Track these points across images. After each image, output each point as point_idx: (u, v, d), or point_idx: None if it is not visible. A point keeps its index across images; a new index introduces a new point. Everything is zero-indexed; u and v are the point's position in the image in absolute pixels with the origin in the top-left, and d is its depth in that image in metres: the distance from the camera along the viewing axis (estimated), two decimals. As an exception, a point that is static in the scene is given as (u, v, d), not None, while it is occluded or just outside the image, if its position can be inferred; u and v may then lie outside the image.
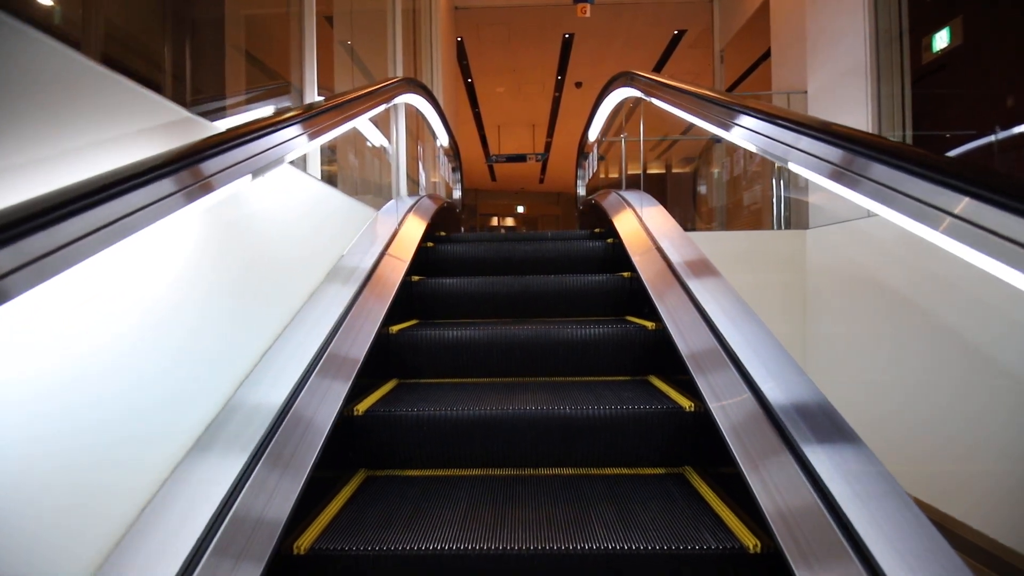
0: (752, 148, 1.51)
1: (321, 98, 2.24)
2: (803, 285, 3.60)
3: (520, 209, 18.14)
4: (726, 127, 1.64)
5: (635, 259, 2.08)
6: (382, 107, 2.15)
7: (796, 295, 3.58)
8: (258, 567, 0.93)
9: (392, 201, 2.69)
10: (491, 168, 14.25)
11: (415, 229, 2.54)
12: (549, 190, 17.50)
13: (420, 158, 4.61)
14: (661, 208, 2.57)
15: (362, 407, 1.44)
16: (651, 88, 2.26)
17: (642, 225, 2.31)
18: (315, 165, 2.12)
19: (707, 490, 1.31)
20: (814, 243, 3.54)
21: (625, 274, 2.10)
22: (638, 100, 3.12)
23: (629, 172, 5.14)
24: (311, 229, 1.73)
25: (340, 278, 1.77)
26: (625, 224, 2.47)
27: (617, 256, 2.40)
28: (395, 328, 1.81)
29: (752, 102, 1.41)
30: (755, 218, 4.72)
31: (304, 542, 1.08)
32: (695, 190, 6.41)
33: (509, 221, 18.39)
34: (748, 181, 4.89)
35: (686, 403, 1.42)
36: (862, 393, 2.77)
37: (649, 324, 1.76)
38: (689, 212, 6.49)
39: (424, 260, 2.47)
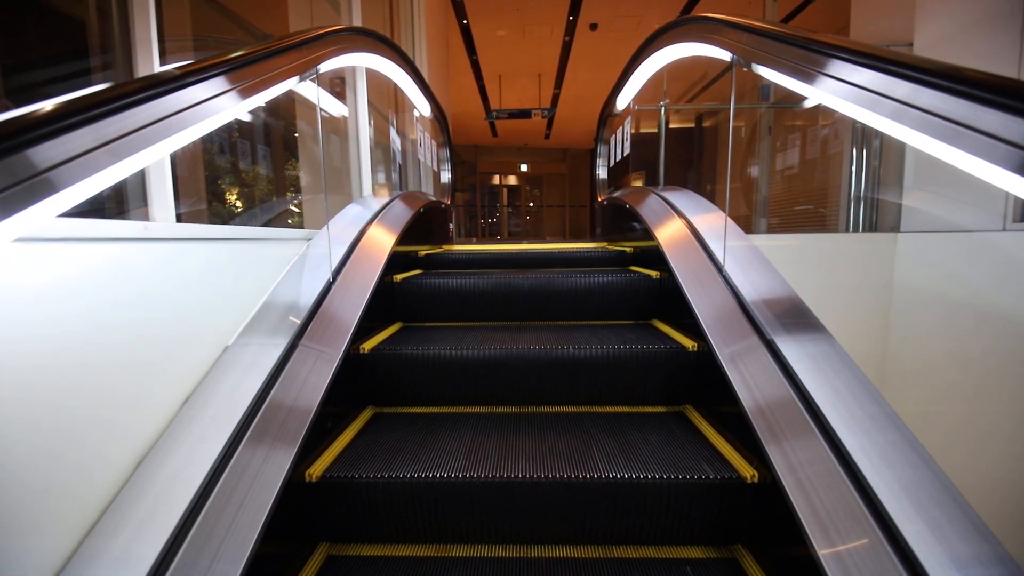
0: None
1: (172, 68, 1.26)
2: (887, 309, 2.73)
3: (523, 167, 16.83)
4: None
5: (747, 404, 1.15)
6: (288, 82, 1.17)
7: (878, 320, 2.73)
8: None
9: (324, 229, 1.66)
10: (492, 123, 12.94)
11: (362, 283, 1.59)
12: (555, 146, 16.15)
13: (393, 124, 3.58)
14: (746, 239, 1.63)
15: None
16: (761, 46, 1.25)
17: (734, 296, 1.37)
18: (163, 199, 1.15)
19: (707, 427, 1.30)
20: (908, 252, 2.64)
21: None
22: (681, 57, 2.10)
23: (643, 130, 4.12)
24: (122, 338, 0.81)
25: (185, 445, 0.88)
26: (698, 285, 1.52)
27: (702, 361, 1.46)
28: None
29: None
30: (812, 200, 3.75)
31: (316, 470, 1.07)
32: (732, 153, 5.34)
33: (511, 179, 17.11)
34: (810, 163, 3.86)
35: (688, 343, 1.41)
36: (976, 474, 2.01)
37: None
38: (710, 174, 5.48)
39: (354, 366, 1.49)
